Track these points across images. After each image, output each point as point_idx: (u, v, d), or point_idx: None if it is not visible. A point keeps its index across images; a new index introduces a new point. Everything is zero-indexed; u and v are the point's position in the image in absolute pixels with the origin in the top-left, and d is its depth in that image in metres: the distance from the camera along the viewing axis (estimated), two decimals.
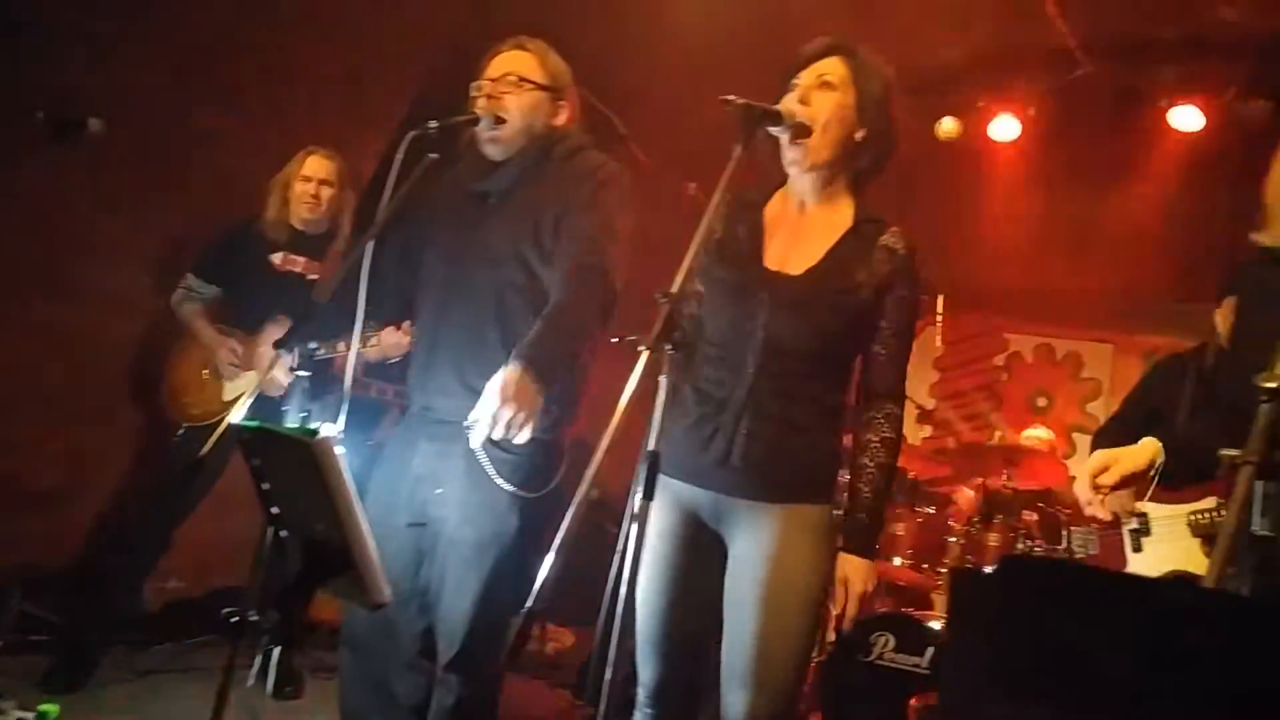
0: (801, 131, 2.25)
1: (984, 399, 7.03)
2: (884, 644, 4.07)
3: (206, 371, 4.04)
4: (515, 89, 2.66)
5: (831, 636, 3.82)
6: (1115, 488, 2.28)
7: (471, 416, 2.34)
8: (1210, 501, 3.30)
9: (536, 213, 2.62)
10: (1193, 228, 5.64)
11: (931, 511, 4.73)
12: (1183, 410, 3.47)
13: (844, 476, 2.41)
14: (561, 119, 2.76)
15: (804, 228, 2.34)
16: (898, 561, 4.55)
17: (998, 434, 6.05)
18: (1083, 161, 6.22)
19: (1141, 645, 0.85)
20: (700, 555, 2.34)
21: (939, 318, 5.59)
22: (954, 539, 4.67)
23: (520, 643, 1.84)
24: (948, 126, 6.16)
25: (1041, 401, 6.91)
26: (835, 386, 2.36)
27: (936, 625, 4.17)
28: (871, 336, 2.32)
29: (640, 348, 1.84)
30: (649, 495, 1.82)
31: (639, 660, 2.35)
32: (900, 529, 4.55)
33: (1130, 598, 0.84)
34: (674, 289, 1.87)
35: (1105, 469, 2.25)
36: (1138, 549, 3.49)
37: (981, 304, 6.97)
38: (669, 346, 1.84)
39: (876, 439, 2.31)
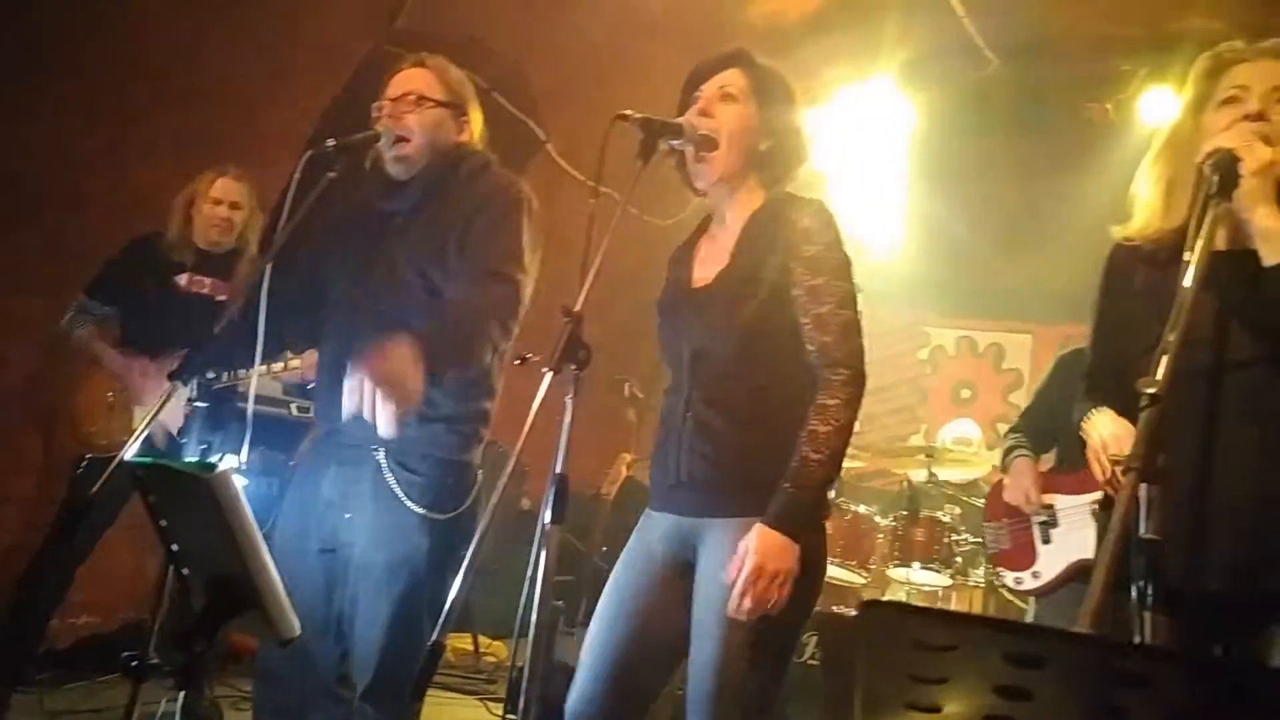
0: (707, 144, 2.23)
1: (909, 393, 7.11)
2: (814, 644, 4.08)
3: (111, 396, 3.91)
4: (416, 107, 2.63)
5: None
6: None
7: (349, 404, 2.22)
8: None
9: (441, 233, 2.59)
10: (1103, 217, 5.76)
11: (859, 509, 4.75)
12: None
13: None
14: (465, 135, 2.73)
15: (721, 238, 2.33)
16: (828, 560, 4.55)
17: (924, 428, 6.13)
18: (997, 156, 6.34)
19: (995, 684, 0.85)
20: (664, 589, 2.23)
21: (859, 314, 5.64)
22: (881, 536, 4.71)
23: (426, 678, 1.78)
24: (863, 124, 6.22)
25: (965, 393, 7.01)
26: (781, 379, 2.21)
27: None
28: (795, 311, 2.18)
29: (543, 369, 1.81)
30: (557, 519, 1.79)
31: (574, 681, 2.28)
32: (828, 527, 4.54)
33: (982, 639, 0.83)
34: (576, 308, 1.84)
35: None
36: (1047, 540, 3.57)
37: (902, 298, 7.07)
38: (573, 366, 1.81)
39: (812, 410, 2.11)
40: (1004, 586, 3.94)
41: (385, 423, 2.20)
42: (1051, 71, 5.87)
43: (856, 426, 2.18)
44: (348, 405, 2.23)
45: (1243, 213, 1.77)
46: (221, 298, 3.94)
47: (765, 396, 2.19)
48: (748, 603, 2.01)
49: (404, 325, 2.52)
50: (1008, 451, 3.81)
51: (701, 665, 2.10)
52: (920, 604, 3.83)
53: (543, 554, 1.78)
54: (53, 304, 4.12)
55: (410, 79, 2.68)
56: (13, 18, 3.72)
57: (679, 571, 2.23)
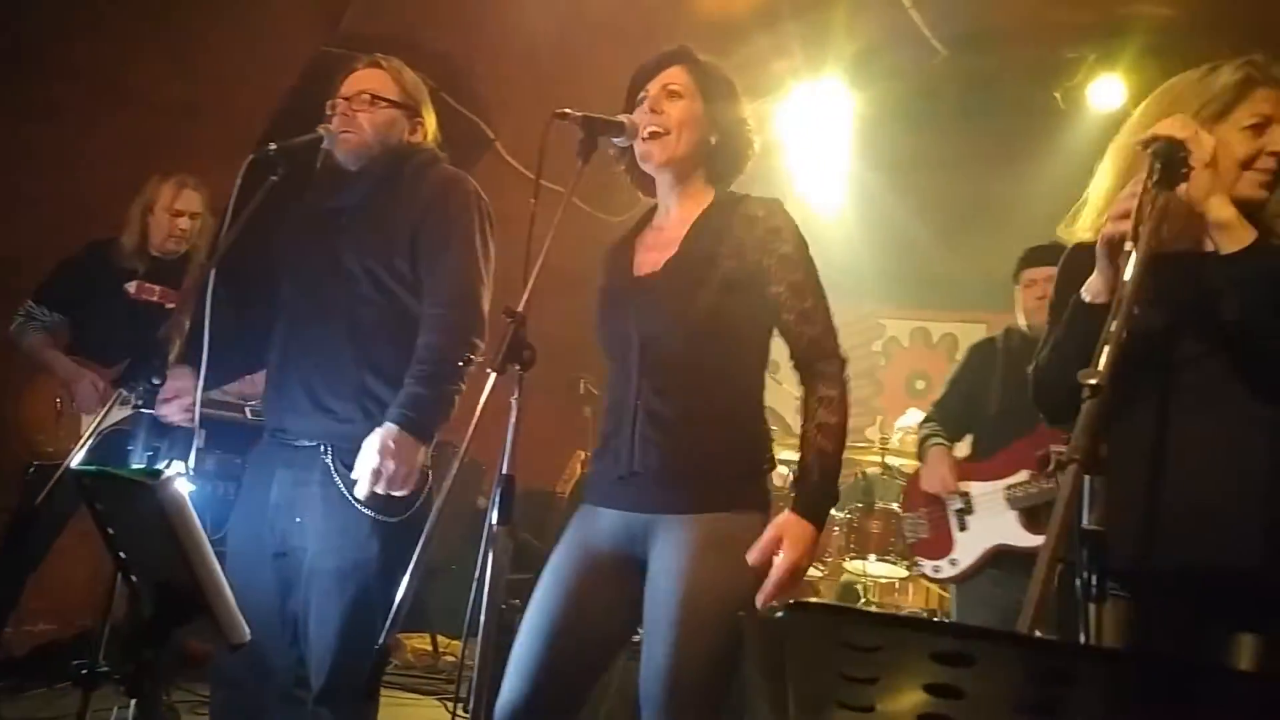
0: (656, 136, 2.24)
1: (864, 385, 7.16)
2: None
3: (60, 404, 3.85)
4: (369, 107, 2.64)
5: None
6: None
7: (354, 474, 2.38)
8: (1023, 475, 3.50)
9: (388, 230, 2.59)
10: (1054, 205, 5.83)
11: None
12: (995, 390, 3.63)
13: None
14: (418, 136, 2.74)
15: (668, 229, 2.33)
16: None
17: (879, 419, 6.17)
18: (947, 147, 6.40)
19: (925, 683, 0.86)
20: (604, 587, 2.20)
21: None
22: (837, 529, 4.74)
23: (375, 679, 1.78)
24: (810, 116, 6.27)
25: (920, 384, 7.06)
26: (737, 373, 2.24)
27: None
28: (772, 307, 2.21)
29: (487, 370, 1.81)
30: (503, 520, 1.79)
31: (504, 679, 2.22)
32: None
33: (909, 639, 0.84)
34: (519, 308, 1.84)
35: None
36: (963, 528, 3.64)
37: (855, 291, 7.11)
38: (517, 366, 1.81)
39: (814, 399, 2.16)
40: (923, 575, 3.99)
41: (405, 492, 2.43)
42: (999, 60, 5.93)
43: None
44: (369, 490, 2.40)
45: (1196, 206, 1.77)
46: (171, 305, 3.89)
47: (717, 387, 2.20)
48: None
49: (350, 323, 2.53)
50: (923, 440, 3.88)
51: (657, 665, 2.06)
52: (845, 605, 3.84)
53: (490, 555, 1.78)
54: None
55: (364, 79, 2.68)
56: None
57: (624, 569, 2.19)
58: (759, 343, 2.27)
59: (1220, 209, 1.78)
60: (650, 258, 2.30)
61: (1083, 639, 1.43)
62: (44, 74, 3.97)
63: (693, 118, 2.27)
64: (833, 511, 4.62)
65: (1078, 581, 1.44)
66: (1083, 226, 2.03)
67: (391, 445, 2.39)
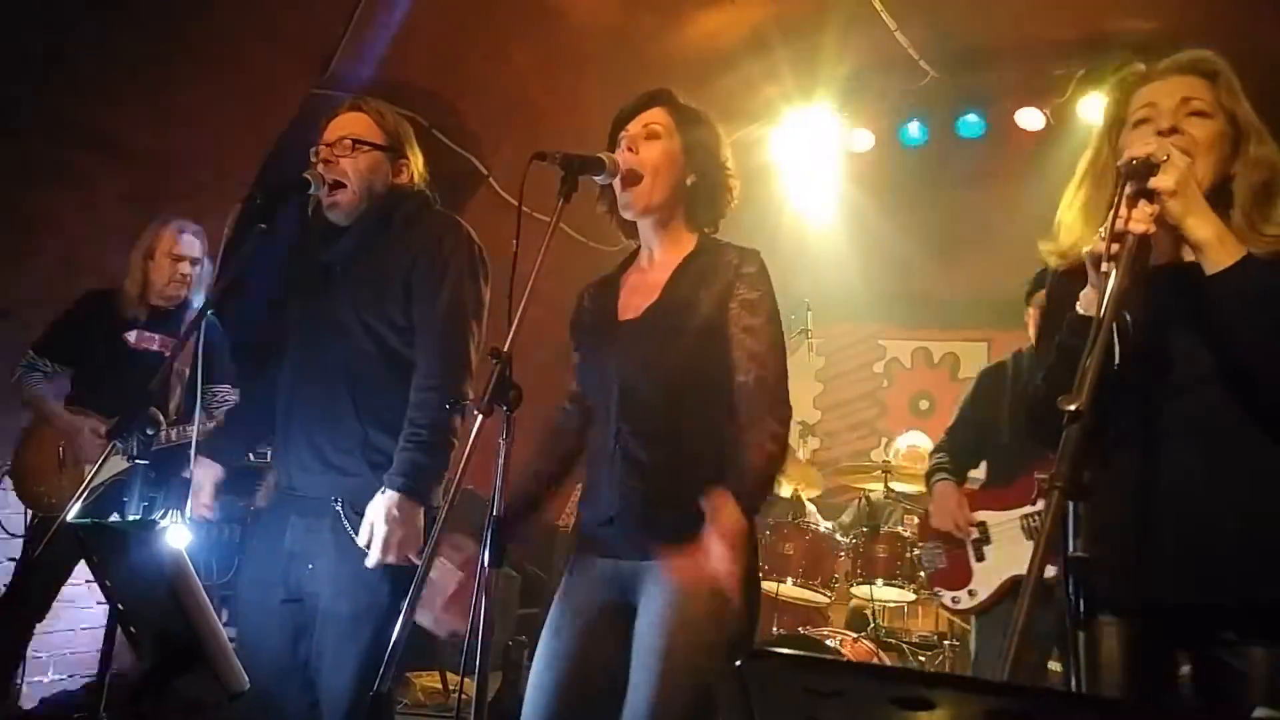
0: (631, 178, 2.26)
1: (867, 407, 7.14)
2: None
3: (62, 454, 3.86)
4: (351, 152, 2.62)
5: None
6: None
7: (362, 543, 2.41)
8: (1040, 503, 3.43)
9: (380, 281, 2.59)
10: (1049, 221, 5.85)
11: (820, 529, 4.76)
12: (1005, 418, 3.58)
13: None
14: (404, 177, 2.72)
15: (651, 272, 2.35)
16: (790, 581, 4.57)
17: (883, 441, 6.16)
18: (943, 167, 6.42)
19: None
20: (603, 633, 2.22)
21: (810, 331, 5.70)
22: (843, 554, 4.72)
23: None
24: (806, 142, 6.30)
25: (924, 404, 7.04)
26: (712, 416, 2.21)
27: (832, 642, 4.21)
28: (730, 348, 2.21)
29: (475, 410, 1.82)
30: (495, 562, 1.79)
31: None
32: (789, 548, 4.57)
33: (868, 685, 0.84)
34: (505, 347, 1.84)
35: None
36: (981, 558, 3.59)
37: (855, 313, 7.13)
38: (504, 408, 1.81)
39: (751, 448, 2.12)
40: (943, 606, 3.95)
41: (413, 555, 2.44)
42: (987, 79, 5.95)
43: (818, 444, 2.26)
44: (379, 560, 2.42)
45: (1177, 229, 1.75)
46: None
47: (695, 433, 2.20)
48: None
49: (350, 377, 2.54)
50: (929, 475, 3.84)
51: (636, 710, 2.07)
52: (805, 654, 3.75)
53: (483, 598, 1.78)
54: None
55: (345, 124, 2.67)
56: None
57: (618, 619, 2.20)
58: (728, 389, 2.22)
59: (1199, 228, 1.75)
60: (634, 302, 2.32)
61: (1071, 665, 1.42)
62: (47, 130, 4.00)
63: (669, 159, 2.29)
64: (838, 537, 4.67)
65: (1067, 610, 1.43)
66: (1059, 246, 2.02)
67: (396, 513, 2.40)
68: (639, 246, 2.43)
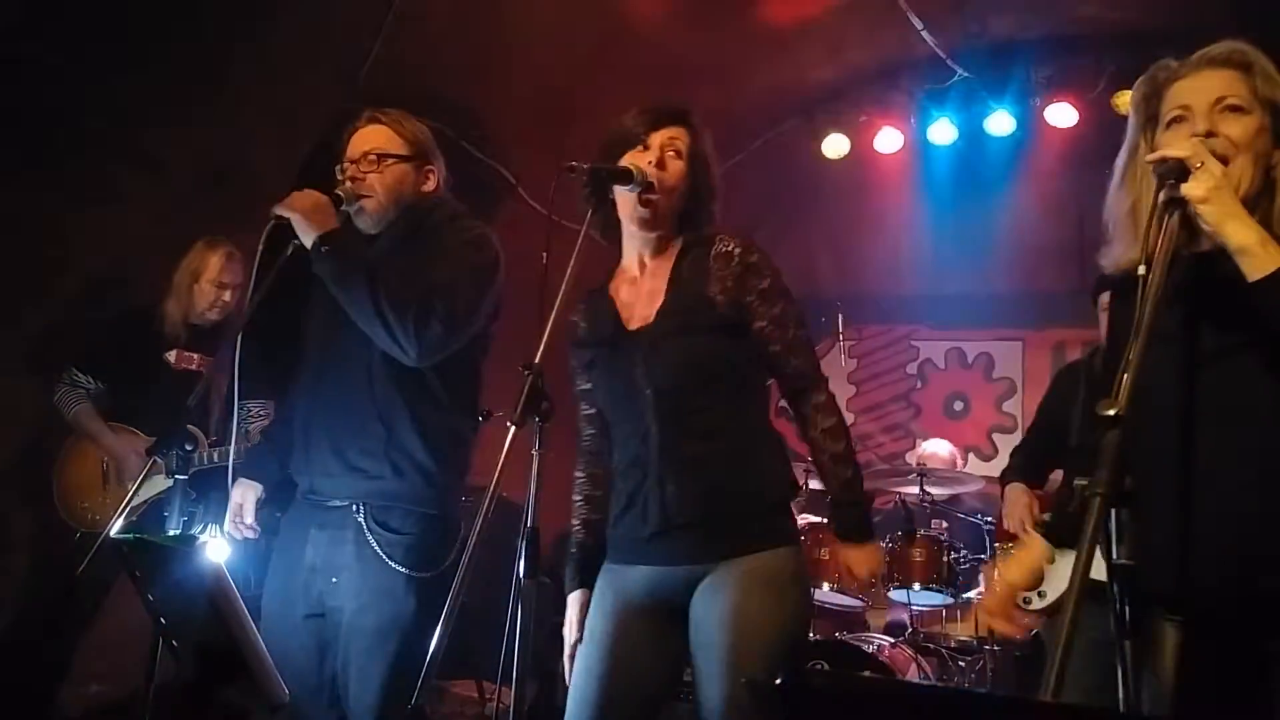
0: (651, 190, 2.28)
1: (901, 409, 7.09)
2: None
3: (106, 470, 3.90)
4: (376, 166, 2.62)
5: None
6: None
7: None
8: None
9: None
10: (1081, 218, 5.80)
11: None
12: (1076, 420, 3.51)
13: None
14: (430, 184, 2.72)
15: (648, 281, 2.37)
16: (826, 587, 4.54)
17: (918, 443, 6.11)
18: (972, 165, 6.37)
19: None
20: (647, 638, 2.25)
21: (841, 333, 5.68)
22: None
23: None
24: (834, 143, 6.27)
25: (958, 405, 6.97)
26: (748, 411, 2.29)
27: (870, 648, 4.18)
28: (762, 343, 2.29)
29: (508, 423, 1.82)
30: (531, 573, 1.80)
31: None
32: (824, 554, 4.54)
33: (904, 706, 0.83)
34: (536, 359, 1.85)
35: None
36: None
37: (887, 314, 7.08)
38: (537, 419, 1.82)
39: (818, 432, 2.28)
40: (1018, 606, 3.91)
41: None
42: (1016, 76, 5.91)
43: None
44: None
45: (1213, 235, 1.72)
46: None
47: (732, 429, 2.24)
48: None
49: (368, 377, 2.55)
50: (1002, 476, 3.79)
51: (710, 712, 2.11)
52: (842, 673, 3.74)
53: (519, 608, 1.78)
54: (36, 382, 4.12)
55: (368, 138, 2.66)
56: None
57: (662, 624, 2.23)
58: (761, 379, 2.35)
59: (1237, 234, 1.70)
60: (639, 310, 2.33)
61: (1119, 673, 1.40)
62: (72, 151, 4.04)
63: (683, 179, 2.33)
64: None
65: (1112, 617, 1.41)
66: (1112, 258, 1.99)
67: None
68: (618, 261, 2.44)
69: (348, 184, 2.61)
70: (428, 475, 2.54)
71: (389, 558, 2.48)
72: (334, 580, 2.52)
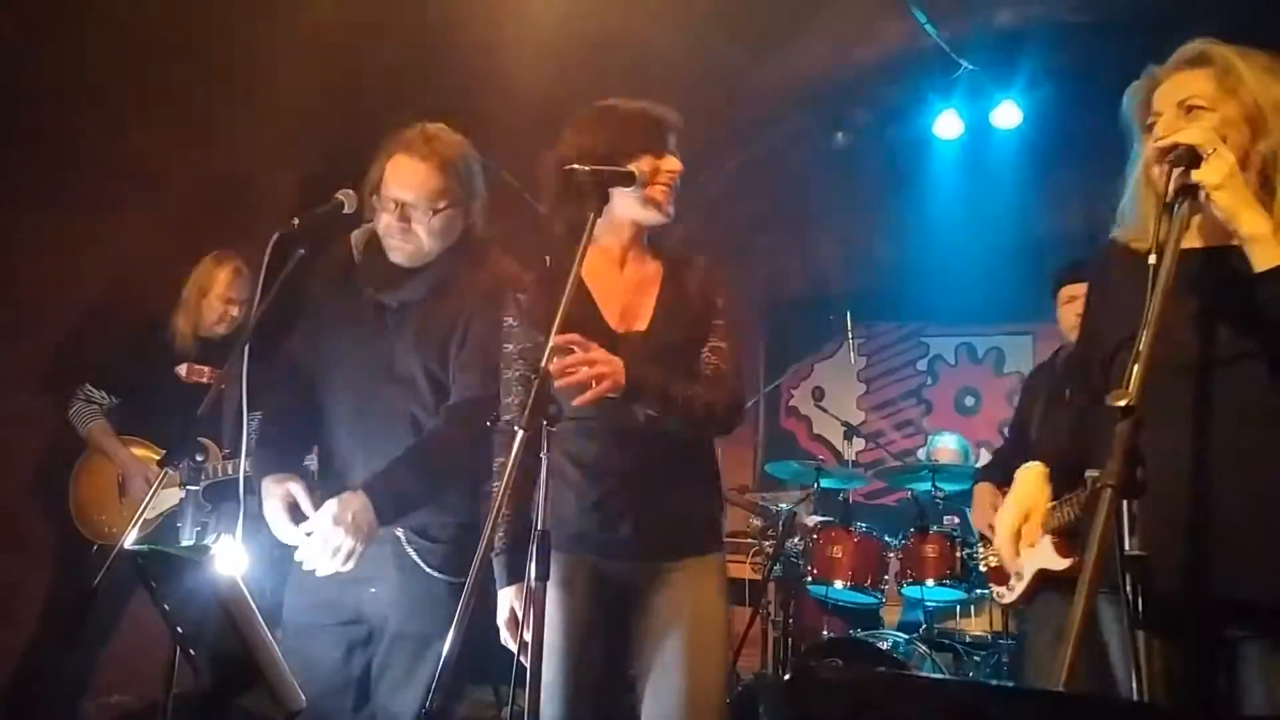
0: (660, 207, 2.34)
1: (912, 405, 7.08)
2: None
3: (121, 482, 3.92)
4: (426, 216, 2.49)
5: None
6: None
7: (306, 533, 2.41)
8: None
9: (444, 329, 2.55)
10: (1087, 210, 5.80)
11: (865, 530, 4.72)
12: (1036, 416, 3.55)
13: None
14: (473, 217, 2.60)
15: (628, 282, 2.38)
16: (839, 585, 4.53)
17: (929, 439, 6.09)
18: (979, 159, 6.36)
19: None
20: (599, 637, 2.32)
21: (849, 332, 5.68)
22: (892, 555, 4.68)
23: None
24: (843, 138, 6.28)
25: (969, 400, 6.95)
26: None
27: (884, 645, 4.17)
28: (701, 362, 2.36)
29: (516, 427, 1.83)
30: (543, 576, 1.80)
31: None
32: (838, 551, 4.54)
33: (916, 699, 0.83)
34: (543, 364, 1.86)
35: (1024, 522, 2.18)
36: (1017, 554, 3.54)
37: (895, 311, 7.07)
38: (545, 422, 1.83)
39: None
40: (994, 600, 3.97)
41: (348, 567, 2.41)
42: (1024, 67, 5.89)
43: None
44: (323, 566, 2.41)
45: (1226, 223, 1.72)
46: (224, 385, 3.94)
47: (698, 441, 2.42)
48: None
49: (413, 427, 2.56)
50: (973, 476, 3.90)
51: (679, 696, 2.22)
52: (851, 665, 3.79)
53: (532, 612, 1.79)
54: (50, 397, 4.15)
55: (415, 181, 2.48)
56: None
57: (613, 615, 2.34)
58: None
59: (1248, 223, 1.71)
60: (619, 311, 2.34)
61: (1133, 665, 1.40)
62: (82, 164, 4.07)
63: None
64: (886, 538, 4.62)
65: (1123, 609, 1.40)
66: (1129, 235, 1.99)
67: (350, 515, 2.38)
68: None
69: (384, 219, 2.50)
70: (460, 486, 2.56)
71: (428, 565, 2.51)
72: (372, 590, 2.54)
